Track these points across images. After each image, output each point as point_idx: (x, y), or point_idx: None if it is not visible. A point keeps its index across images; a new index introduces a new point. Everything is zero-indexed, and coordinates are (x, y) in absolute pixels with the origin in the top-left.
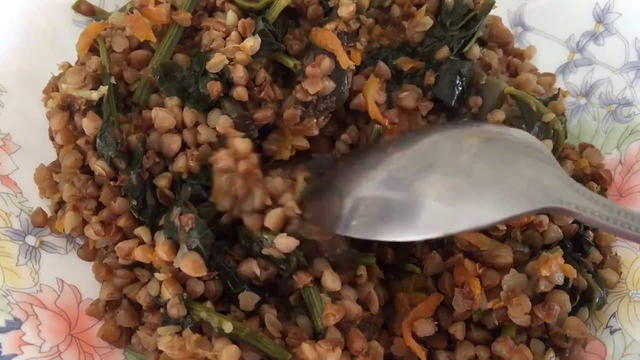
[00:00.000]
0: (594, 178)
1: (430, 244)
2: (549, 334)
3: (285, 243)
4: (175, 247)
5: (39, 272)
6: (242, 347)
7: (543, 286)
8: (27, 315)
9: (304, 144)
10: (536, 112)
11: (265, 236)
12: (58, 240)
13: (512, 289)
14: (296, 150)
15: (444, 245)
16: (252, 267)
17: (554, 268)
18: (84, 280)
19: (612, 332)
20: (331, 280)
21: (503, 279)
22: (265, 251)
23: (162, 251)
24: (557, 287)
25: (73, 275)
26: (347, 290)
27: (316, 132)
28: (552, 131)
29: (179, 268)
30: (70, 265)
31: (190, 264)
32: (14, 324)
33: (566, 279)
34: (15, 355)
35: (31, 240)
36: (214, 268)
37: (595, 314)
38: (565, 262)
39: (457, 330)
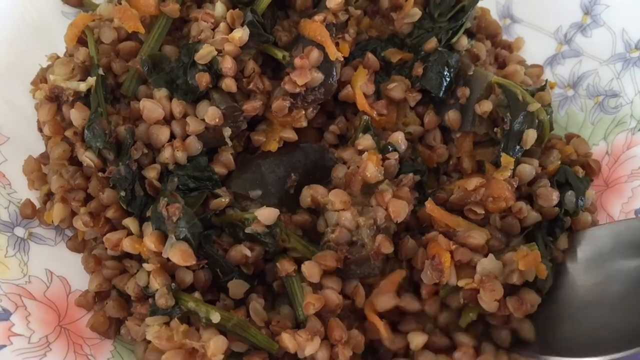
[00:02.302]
0: (582, 167)
1: (407, 229)
2: (510, 325)
3: (266, 214)
4: (163, 238)
5: (28, 263)
6: (230, 337)
7: (515, 279)
8: (16, 306)
9: (292, 135)
10: (522, 102)
11: (247, 216)
12: (47, 232)
13: (487, 273)
14: (284, 142)
15: (422, 229)
16: (240, 250)
17: (531, 265)
18: (73, 272)
19: None
20: (310, 271)
21: (480, 262)
22: (248, 229)
23: (150, 241)
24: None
25: (62, 267)
26: (330, 280)
27: (305, 124)
28: (537, 121)
29: (167, 258)
30: (59, 257)
31: (179, 254)
32: (3, 315)
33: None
34: (4, 346)
35: (20, 231)
36: (202, 257)
37: None
38: (537, 246)
39: (429, 304)
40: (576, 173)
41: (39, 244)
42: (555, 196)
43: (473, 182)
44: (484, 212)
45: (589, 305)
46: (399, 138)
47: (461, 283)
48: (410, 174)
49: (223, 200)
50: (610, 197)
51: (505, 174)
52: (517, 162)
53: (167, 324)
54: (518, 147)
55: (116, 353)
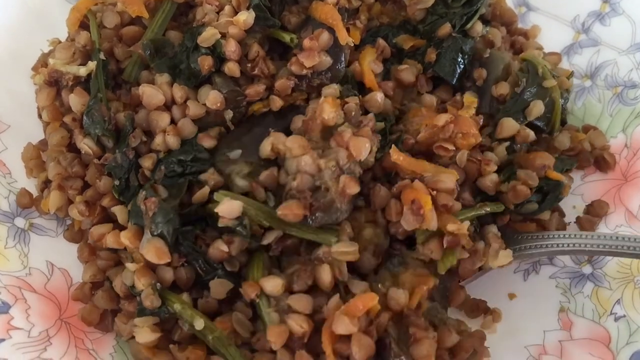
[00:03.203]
0: (597, 161)
1: (374, 178)
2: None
3: (227, 208)
4: (140, 233)
5: (28, 255)
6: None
7: None
8: (16, 299)
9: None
10: (540, 77)
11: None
12: (48, 223)
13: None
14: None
15: (390, 178)
16: (218, 247)
17: None
18: (74, 264)
19: (616, 319)
20: (271, 287)
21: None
22: (220, 222)
23: (126, 237)
24: None
25: (63, 259)
26: (298, 301)
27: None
28: (549, 99)
29: None
30: (60, 248)
31: (153, 251)
32: (2, 308)
33: None
34: (3, 340)
35: (20, 222)
36: (182, 254)
37: (599, 300)
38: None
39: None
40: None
41: (40, 235)
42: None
43: (443, 118)
44: (454, 148)
45: None
46: (377, 97)
47: (451, 227)
48: (371, 114)
49: (207, 187)
50: (629, 191)
51: (470, 112)
52: None
53: (157, 324)
54: (522, 117)
55: (118, 348)
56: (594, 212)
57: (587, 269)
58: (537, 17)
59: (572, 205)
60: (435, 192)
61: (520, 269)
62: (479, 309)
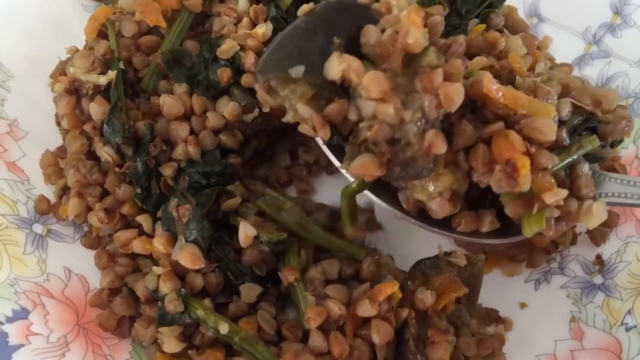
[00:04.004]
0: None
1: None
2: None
3: (241, 235)
4: (173, 239)
5: (46, 260)
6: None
7: None
8: (35, 304)
9: None
10: None
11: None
12: (65, 229)
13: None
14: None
15: (474, 109)
16: (254, 254)
17: None
18: (91, 270)
19: (627, 330)
20: (312, 272)
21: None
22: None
23: (159, 243)
24: None
25: (80, 264)
26: (335, 290)
27: None
28: None
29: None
30: (77, 254)
31: (188, 257)
32: (21, 314)
33: None
34: (22, 345)
35: (38, 228)
36: (213, 260)
37: (610, 310)
38: None
39: (486, 223)
40: None
41: (58, 241)
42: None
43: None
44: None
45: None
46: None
47: (549, 199)
48: (462, 36)
49: (238, 197)
50: None
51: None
52: None
53: (182, 334)
54: None
55: (135, 354)
56: (605, 222)
57: (598, 279)
58: (548, 28)
59: None
60: (532, 145)
61: (531, 278)
62: (491, 317)
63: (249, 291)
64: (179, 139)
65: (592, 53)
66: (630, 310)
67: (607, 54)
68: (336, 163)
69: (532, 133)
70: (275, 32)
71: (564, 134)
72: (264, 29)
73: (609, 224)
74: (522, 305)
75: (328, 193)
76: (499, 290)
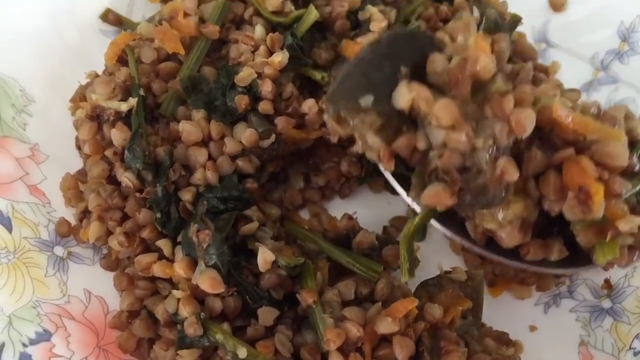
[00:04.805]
0: None
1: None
2: None
3: (260, 260)
4: (193, 264)
5: (67, 283)
6: None
7: None
8: (57, 326)
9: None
10: None
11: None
12: (85, 251)
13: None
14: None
15: (542, 135)
16: (272, 279)
17: None
18: (110, 291)
19: (635, 354)
20: (329, 294)
21: None
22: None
23: (180, 268)
24: None
25: (100, 286)
26: (352, 312)
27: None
28: None
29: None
30: (97, 276)
31: (208, 281)
32: (44, 336)
33: None
34: None
35: (59, 250)
36: (232, 284)
37: (618, 335)
38: None
39: (554, 252)
40: None
41: (78, 264)
42: None
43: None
44: None
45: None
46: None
47: (624, 227)
48: (530, 63)
49: (255, 222)
50: None
51: None
52: None
53: (201, 357)
54: None
55: None
56: None
57: (606, 304)
58: (556, 54)
59: None
60: (604, 171)
61: (540, 302)
62: (502, 340)
63: (267, 314)
64: (198, 164)
65: (600, 79)
66: (638, 334)
67: (614, 80)
68: (402, 192)
69: (603, 159)
70: (290, 59)
71: (635, 160)
72: (280, 57)
73: None
74: (532, 328)
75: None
76: (509, 313)
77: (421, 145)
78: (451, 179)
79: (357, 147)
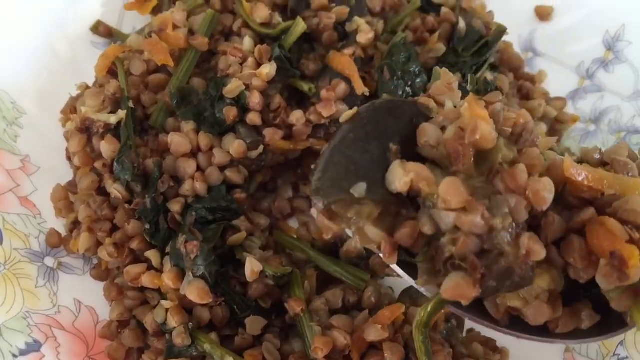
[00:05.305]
0: None
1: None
2: None
3: (247, 271)
4: (181, 275)
5: (57, 293)
6: None
7: None
8: (47, 337)
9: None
10: None
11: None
12: (75, 261)
13: None
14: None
15: (557, 197)
16: (259, 288)
17: None
18: (100, 302)
19: None
20: (317, 303)
21: None
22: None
23: (168, 279)
24: None
25: (90, 296)
26: (340, 320)
27: None
28: None
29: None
30: (87, 286)
31: (195, 292)
32: (34, 346)
33: None
34: None
35: (50, 261)
36: (220, 294)
37: (603, 341)
38: None
39: (585, 319)
40: None
41: (68, 274)
42: None
43: None
44: None
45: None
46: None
47: None
48: (530, 121)
49: (244, 232)
50: None
51: None
52: None
53: None
54: None
55: None
56: None
57: None
58: (543, 62)
59: None
60: (632, 230)
61: None
62: (488, 347)
63: (254, 324)
64: (187, 176)
65: (585, 87)
66: (622, 341)
67: (600, 89)
68: (409, 279)
69: (629, 216)
70: (278, 71)
71: None
72: (268, 69)
73: None
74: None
75: None
76: None
77: (427, 229)
78: (471, 266)
79: (355, 243)
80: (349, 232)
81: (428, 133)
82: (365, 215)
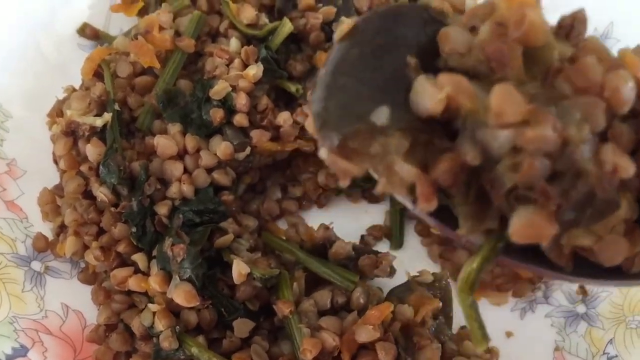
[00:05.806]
0: None
1: None
2: None
3: (235, 273)
4: (168, 278)
5: (44, 297)
6: None
7: None
8: (33, 342)
9: None
10: None
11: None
12: (63, 265)
13: None
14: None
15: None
16: (247, 291)
17: None
18: (88, 305)
19: (609, 359)
20: (306, 304)
21: None
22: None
23: (155, 282)
24: None
25: (77, 300)
26: (328, 321)
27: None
28: None
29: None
30: (74, 290)
31: (182, 295)
32: (20, 351)
33: None
34: None
35: (36, 265)
36: (207, 297)
37: (592, 340)
38: None
39: None
40: None
41: (55, 278)
42: None
43: None
44: None
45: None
46: None
47: None
48: (582, 9)
49: (231, 234)
50: None
51: None
52: None
53: None
54: None
55: None
56: None
57: (580, 309)
58: None
59: None
60: None
61: (517, 308)
62: None
63: (242, 326)
64: (173, 178)
65: None
66: (611, 339)
67: None
68: (448, 232)
69: None
70: (265, 72)
71: None
72: (254, 70)
73: None
74: (509, 334)
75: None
76: (485, 319)
77: (471, 158)
78: (543, 194)
79: (380, 188)
80: (373, 174)
81: (453, 38)
82: (393, 148)
